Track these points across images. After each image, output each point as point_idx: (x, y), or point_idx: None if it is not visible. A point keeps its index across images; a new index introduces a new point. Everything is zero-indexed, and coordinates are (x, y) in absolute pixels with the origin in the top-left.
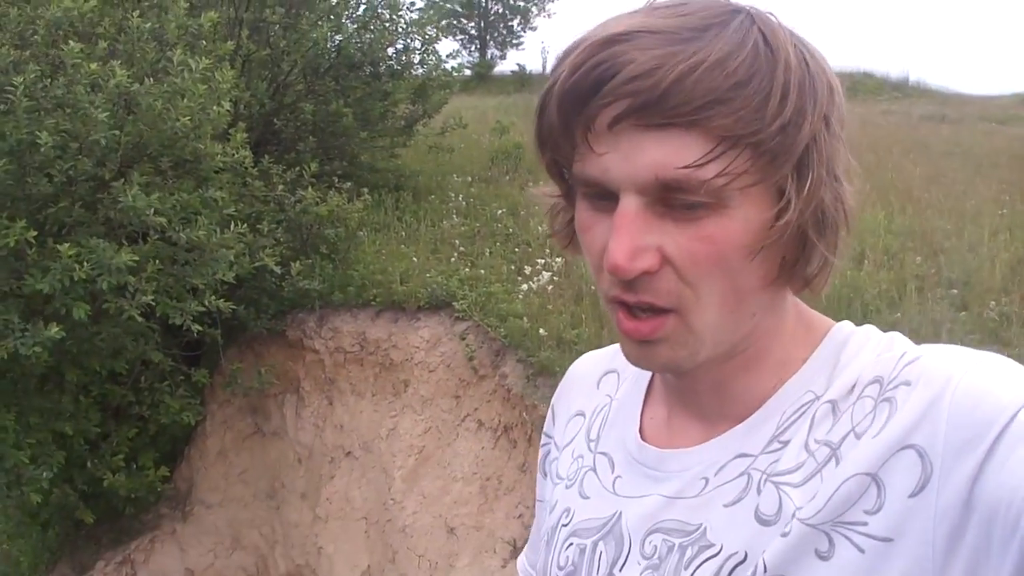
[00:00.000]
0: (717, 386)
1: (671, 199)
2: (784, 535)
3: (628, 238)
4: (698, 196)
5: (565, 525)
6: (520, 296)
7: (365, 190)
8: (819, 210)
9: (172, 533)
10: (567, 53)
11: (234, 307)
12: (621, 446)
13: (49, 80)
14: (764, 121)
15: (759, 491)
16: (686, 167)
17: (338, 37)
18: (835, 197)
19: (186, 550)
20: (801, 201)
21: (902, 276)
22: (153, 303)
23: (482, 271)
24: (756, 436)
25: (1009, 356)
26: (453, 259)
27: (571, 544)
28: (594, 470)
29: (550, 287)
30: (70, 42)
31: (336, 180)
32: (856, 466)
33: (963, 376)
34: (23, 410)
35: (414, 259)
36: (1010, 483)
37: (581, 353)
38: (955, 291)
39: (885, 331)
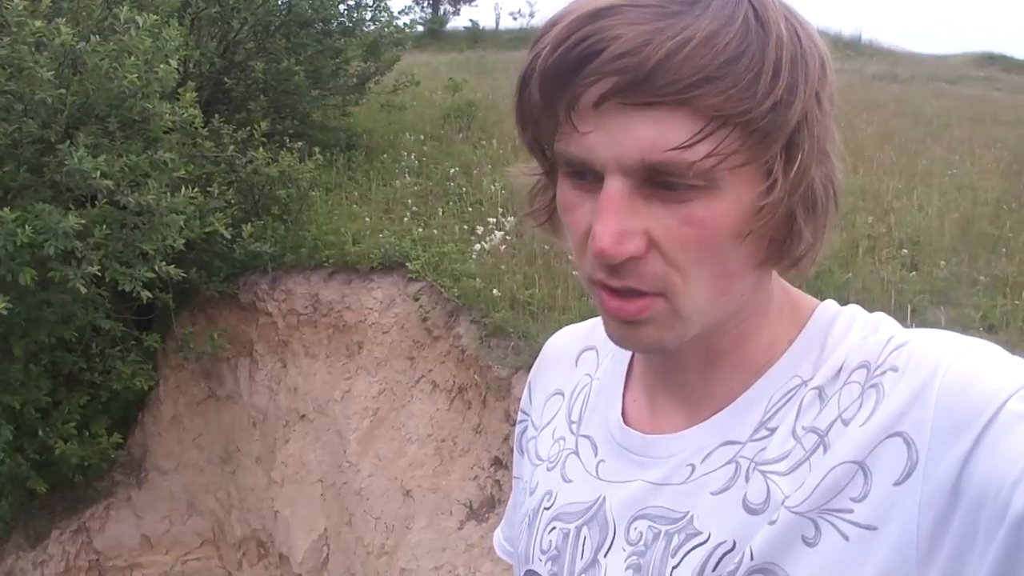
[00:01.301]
0: (704, 364)
1: (658, 181)
2: (772, 523)
3: (614, 221)
4: (686, 178)
5: (547, 508)
6: (473, 256)
7: (317, 149)
8: (809, 189)
9: (127, 500)
10: (550, 26)
11: (184, 274)
12: (604, 429)
13: None
14: (755, 99)
15: (747, 479)
16: (674, 148)
17: None
18: (825, 176)
19: (142, 516)
20: (790, 181)
21: (853, 236)
22: (100, 272)
23: (435, 231)
24: (743, 422)
25: (958, 316)
26: (406, 219)
27: (554, 528)
28: (576, 453)
29: (503, 247)
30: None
31: (287, 140)
32: (844, 454)
33: (952, 363)
34: None
35: (367, 219)
36: (999, 470)
37: (535, 314)
38: (905, 251)
39: (841, 296)
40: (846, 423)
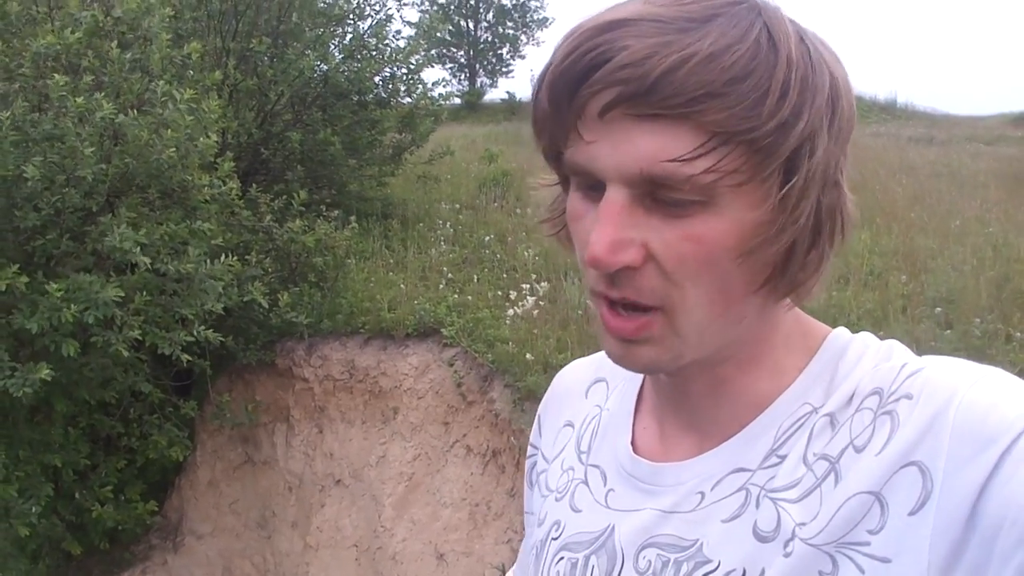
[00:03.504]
0: (712, 389)
1: (658, 194)
2: (787, 555)
3: (611, 229)
4: (684, 193)
5: (555, 538)
6: (507, 321)
7: (353, 218)
8: (812, 215)
9: (163, 564)
10: (564, 39)
11: (223, 338)
12: (613, 459)
13: (37, 113)
14: (760, 119)
15: (757, 506)
16: (673, 160)
17: (325, 66)
18: (832, 204)
19: None
20: (789, 204)
21: (887, 296)
22: (140, 337)
23: (469, 297)
24: (753, 449)
25: None
26: (441, 286)
27: (562, 558)
28: (586, 483)
29: (535, 312)
30: (55, 76)
31: (324, 209)
32: (859, 484)
33: (967, 390)
34: (12, 442)
35: (402, 286)
36: (1014, 500)
37: None
38: (939, 309)
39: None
40: (858, 450)
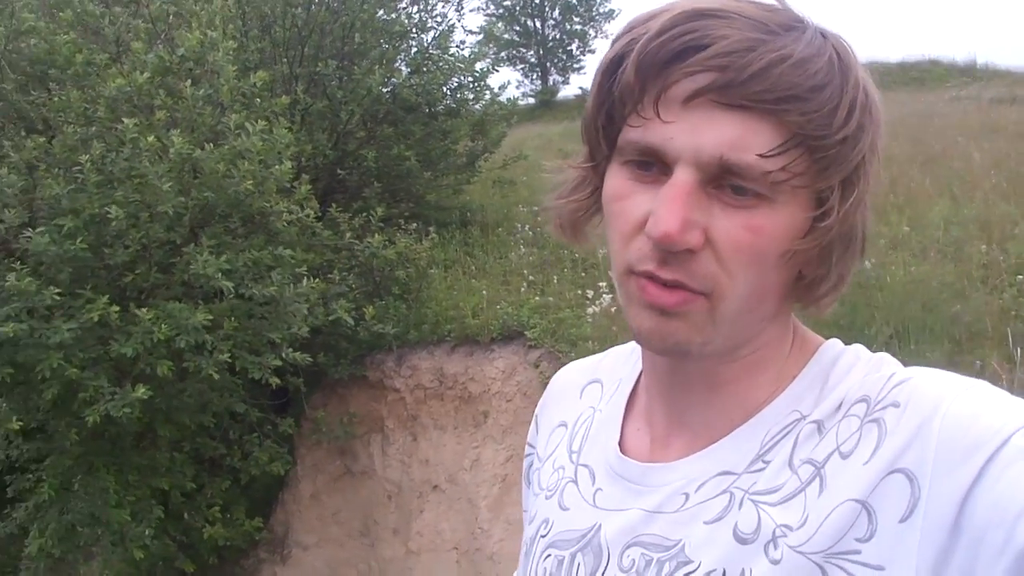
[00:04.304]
0: (709, 390)
1: (724, 182)
2: (775, 562)
3: (682, 208)
4: (755, 184)
5: (544, 536)
6: (589, 320)
7: (432, 229)
8: (852, 228)
9: None
10: (649, 16)
11: (311, 359)
12: (603, 458)
13: (115, 153)
14: (831, 128)
15: (739, 509)
16: (760, 155)
17: (393, 81)
18: (862, 221)
19: None
20: (840, 215)
21: (967, 267)
22: (230, 360)
23: (551, 298)
24: (739, 453)
25: None
26: (523, 289)
27: (549, 555)
28: (575, 481)
29: (614, 308)
30: (124, 120)
31: (403, 222)
32: (846, 492)
33: (954, 400)
34: (122, 468)
35: (484, 292)
36: (1001, 504)
37: None
38: (1021, 277)
39: (952, 329)
40: (844, 456)
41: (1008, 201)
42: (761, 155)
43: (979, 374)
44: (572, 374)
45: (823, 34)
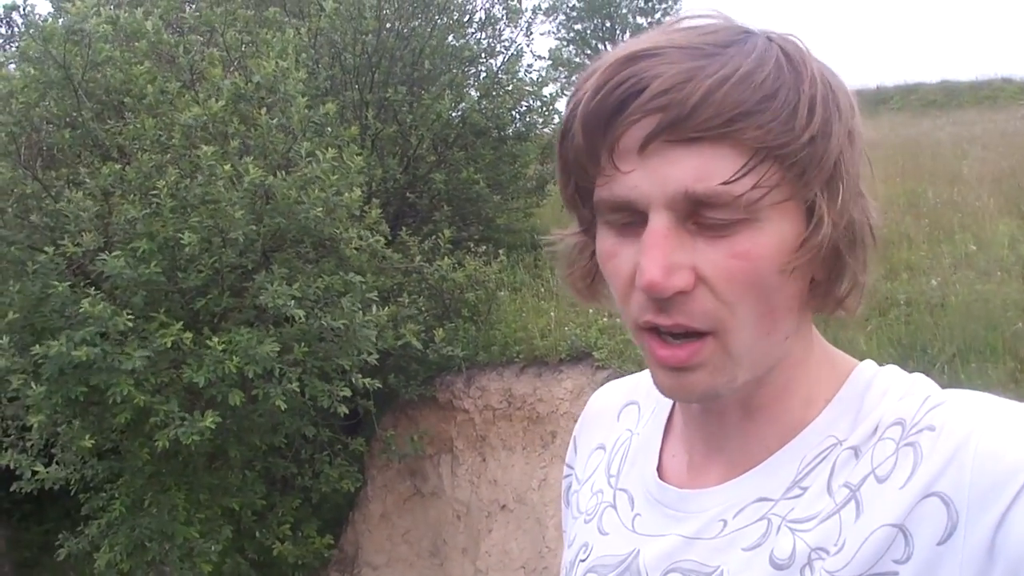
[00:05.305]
0: (743, 418)
1: (701, 216)
2: None
3: (661, 254)
4: (729, 212)
5: (583, 560)
6: None
7: (501, 251)
8: (850, 226)
9: None
10: (588, 75)
11: (380, 384)
12: (641, 484)
13: (189, 180)
14: (794, 133)
15: (776, 535)
16: (722, 183)
17: (462, 106)
18: (862, 213)
19: None
20: (833, 217)
21: None
22: (298, 388)
23: (618, 319)
24: (776, 479)
25: None
26: (591, 310)
27: None
28: (614, 506)
29: None
30: (202, 147)
31: (472, 244)
32: (882, 516)
33: (990, 423)
34: (192, 488)
35: (552, 314)
36: None
37: None
38: None
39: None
40: (880, 480)
41: None
42: (725, 182)
43: None
44: (609, 395)
45: (769, 38)
